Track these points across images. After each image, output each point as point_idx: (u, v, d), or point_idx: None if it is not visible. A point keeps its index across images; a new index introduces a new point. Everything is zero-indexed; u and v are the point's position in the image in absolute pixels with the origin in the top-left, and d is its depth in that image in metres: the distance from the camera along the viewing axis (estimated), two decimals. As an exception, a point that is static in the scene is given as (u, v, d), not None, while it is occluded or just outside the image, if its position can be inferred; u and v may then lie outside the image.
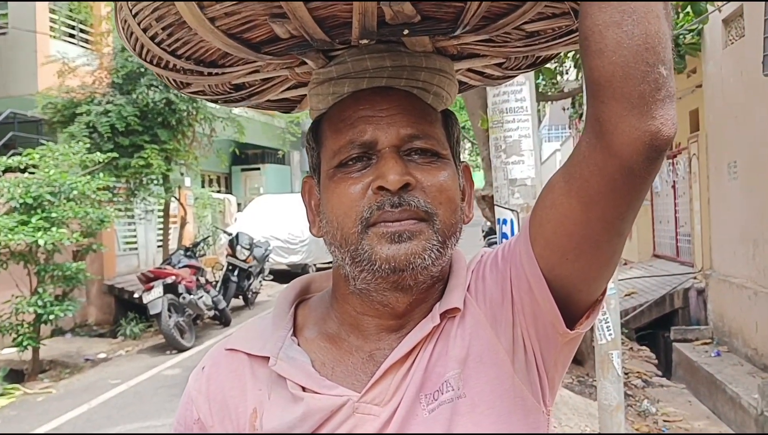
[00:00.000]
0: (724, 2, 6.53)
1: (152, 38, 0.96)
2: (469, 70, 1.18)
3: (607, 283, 0.98)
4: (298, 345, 1.00)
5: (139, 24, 0.94)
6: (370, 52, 0.98)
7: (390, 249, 0.92)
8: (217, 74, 1.02)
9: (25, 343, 8.51)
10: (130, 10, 0.94)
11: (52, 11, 12.62)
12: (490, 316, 0.97)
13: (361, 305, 0.99)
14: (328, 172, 0.98)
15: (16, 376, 8.93)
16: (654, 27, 0.78)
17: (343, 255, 0.96)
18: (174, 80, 1.06)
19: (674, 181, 12.01)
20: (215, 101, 1.16)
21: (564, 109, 12.08)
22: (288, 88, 1.15)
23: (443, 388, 0.94)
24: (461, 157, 1.07)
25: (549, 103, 12.36)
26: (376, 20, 0.88)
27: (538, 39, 1.04)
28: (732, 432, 6.83)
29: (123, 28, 0.99)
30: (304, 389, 0.95)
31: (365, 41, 0.97)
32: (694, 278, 10.14)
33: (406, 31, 0.92)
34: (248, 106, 1.22)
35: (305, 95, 1.17)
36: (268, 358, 0.98)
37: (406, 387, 0.94)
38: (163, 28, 0.93)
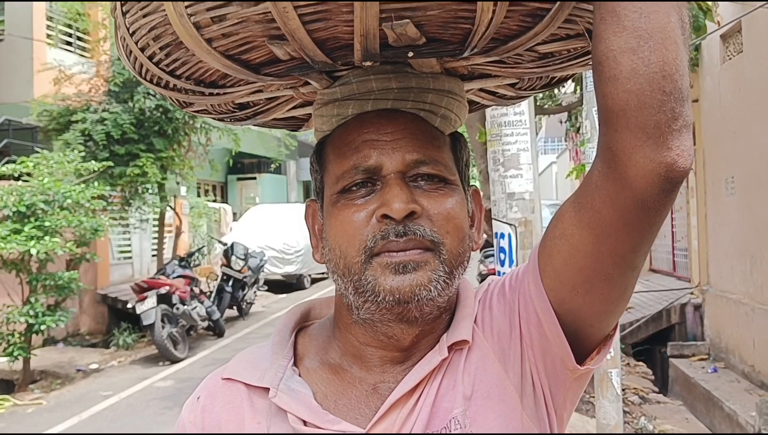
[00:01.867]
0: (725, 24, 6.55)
1: (150, 58, 0.92)
2: (481, 90, 1.14)
3: (619, 318, 0.94)
4: (299, 376, 0.96)
5: (136, 43, 0.91)
6: (375, 73, 0.95)
7: (394, 280, 0.88)
8: (218, 94, 0.98)
9: (15, 354, 8.43)
10: (128, 29, 0.90)
11: (50, 18, 12.60)
12: (498, 349, 0.94)
13: (364, 336, 0.95)
14: (331, 197, 0.95)
15: (6, 386, 8.85)
16: (672, 54, 0.75)
17: (346, 284, 0.93)
18: (176, 100, 1.02)
19: (671, 196, 12.01)
20: (221, 120, 1.12)
21: (561, 122, 12.08)
22: (295, 107, 1.12)
23: (450, 425, 0.90)
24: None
25: (546, 115, 12.36)
26: (379, 42, 0.84)
27: (552, 60, 1.00)
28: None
29: (122, 47, 0.96)
30: (305, 423, 0.91)
31: (369, 63, 0.93)
32: (691, 294, 10.13)
33: (410, 54, 0.88)
34: (255, 125, 1.18)
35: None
36: (268, 389, 0.94)
37: (413, 423, 0.90)
38: (161, 48, 0.90)
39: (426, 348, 0.94)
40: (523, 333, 0.93)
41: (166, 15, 0.83)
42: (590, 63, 1.01)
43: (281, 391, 0.93)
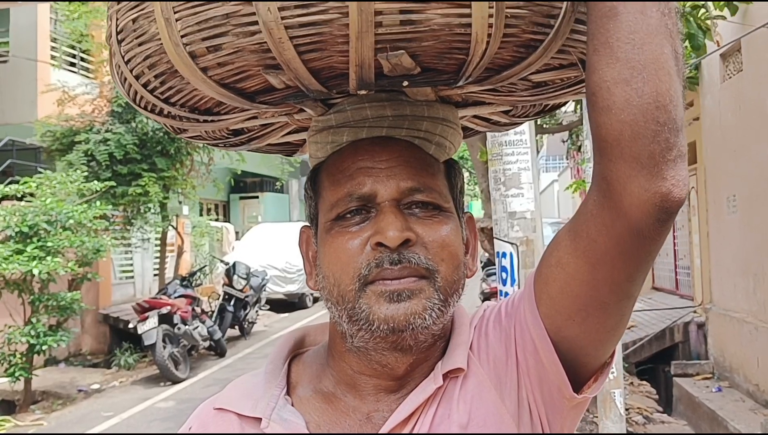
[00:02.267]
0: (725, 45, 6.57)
1: (145, 85, 0.93)
2: (475, 116, 1.15)
3: (615, 346, 0.94)
4: (292, 405, 0.96)
5: (131, 71, 0.92)
6: (370, 101, 0.96)
7: (389, 309, 0.88)
8: (213, 121, 0.99)
9: (17, 374, 8.40)
10: (123, 57, 0.91)
11: (54, 40, 12.70)
12: (494, 377, 0.93)
13: (358, 364, 0.94)
14: (326, 224, 0.95)
15: (8, 407, 8.81)
16: (665, 85, 0.75)
17: (340, 312, 0.92)
18: (171, 126, 1.03)
19: (673, 214, 11.97)
20: (215, 145, 1.13)
21: (563, 142, 12.11)
22: (289, 132, 1.12)
23: None
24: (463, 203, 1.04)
25: (547, 134, 12.39)
26: (374, 71, 0.85)
27: (545, 89, 1.01)
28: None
29: (117, 73, 0.96)
30: None
31: (364, 91, 0.94)
32: (694, 312, 10.07)
33: (405, 83, 0.88)
34: (249, 150, 1.19)
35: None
36: (260, 419, 0.93)
37: None
38: (156, 76, 0.90)
39: (420, 376, 0.94)
40: (520, 360, 0.92)
41: (161, 44, 0.84)
42: (584, 91, 1.02)
43: (273, 421, 0.92)
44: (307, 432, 0.92)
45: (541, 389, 0.91)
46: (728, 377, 8.69)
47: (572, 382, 0.91)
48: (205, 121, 0.98)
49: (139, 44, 0.88)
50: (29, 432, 7.60)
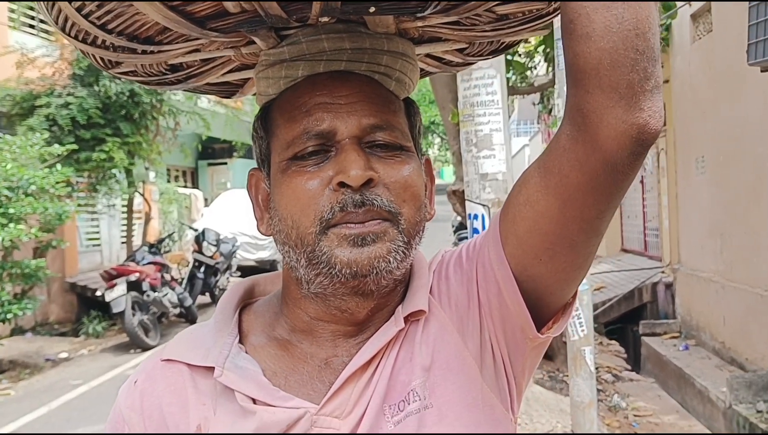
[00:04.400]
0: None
1: (79, 10, 0.84)
2: (427, 55, 1.11)
3: (579, 285, 0.93)
4: (246, 353, 0.92)
5: (63, -7, 0.83)
6: (327, 32, 0.91)
7: (352, 253, 0.84)
8: (152, 52, 0.91)
9: (-18, 344, 8.25)
10: (54, -23, 0.82)
11: (11, 0, 12.25)
12: (456, 319, 0.91)
13: (315, 310, 0.91)
14: (281, 164, 0.90)
15: (-26, 377, 8.66)
16: (645, 12, 0.73)
17: (297, 256, 0.88)
18: (101, 58, 0.94)
19: (642, 176, 12.10)
20: (147, 83, 1.05)
21: (534, 105, 12.09)
22: (230, 71, 1.05)
23: (409, 398, 0.87)
24: (428, 151, 0.99)
25: (518, 97, 12.34)
26: None
27: (507, 23, 0.97)
28: (700, 431, 6.86)
29: None
30: (254, 402, 0.87)
31: (325, 18, 0.87)
32: (662, 272, 10.23)
33: (372, 9, 0.82)
34: (185, 90, 1.11)
35: (248, 79, 1.08)
36: (212, 368, 0.89)
37: (369, 397, 0.87)
38: (92, -2, 0.81)
39: (380, 321, 0.91)
40: (482, 302, 0.90)
41: None
42: (541, 27, 0.99)
43: (227, 370, 0.88)
44: (264, 379, 0.88)
45: (504, 330, 0.90)
46: (695, 335, 8.86)
47: (535, 323, 0.89)
48: (144, 52, 0.90)
49: (76, -40, 0.79)
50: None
